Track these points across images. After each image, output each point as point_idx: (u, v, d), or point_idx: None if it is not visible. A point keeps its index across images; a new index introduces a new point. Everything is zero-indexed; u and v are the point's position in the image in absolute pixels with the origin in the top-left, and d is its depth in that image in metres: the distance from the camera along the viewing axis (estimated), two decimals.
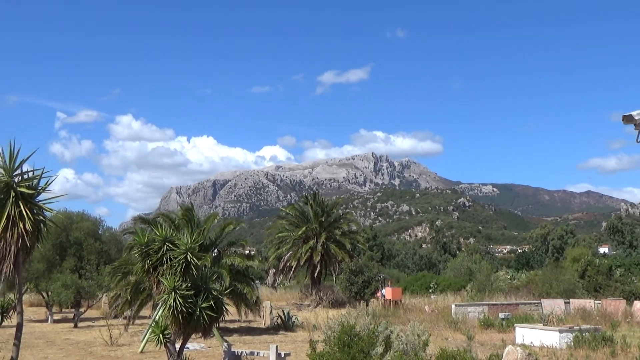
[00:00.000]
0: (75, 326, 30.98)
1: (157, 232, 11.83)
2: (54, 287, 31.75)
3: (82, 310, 33.83)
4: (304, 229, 46.25)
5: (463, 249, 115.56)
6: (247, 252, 29.69)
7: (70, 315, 35.14)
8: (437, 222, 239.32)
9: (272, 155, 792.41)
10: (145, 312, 28.02)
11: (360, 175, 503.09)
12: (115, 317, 26.33)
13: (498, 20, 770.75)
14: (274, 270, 55.03)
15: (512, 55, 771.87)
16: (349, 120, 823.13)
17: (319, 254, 45.53)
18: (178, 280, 11.18)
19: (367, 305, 38.03)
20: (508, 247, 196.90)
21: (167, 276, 11.32)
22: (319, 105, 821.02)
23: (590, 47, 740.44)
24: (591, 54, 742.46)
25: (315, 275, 46.75)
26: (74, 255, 34.22)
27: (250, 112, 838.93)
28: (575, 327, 21.92)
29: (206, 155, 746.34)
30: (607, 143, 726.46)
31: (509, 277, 56.22)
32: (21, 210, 10.20)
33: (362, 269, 42.23)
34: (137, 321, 27.83)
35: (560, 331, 21.43)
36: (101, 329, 26.68)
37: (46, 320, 34.24)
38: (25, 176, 10.54)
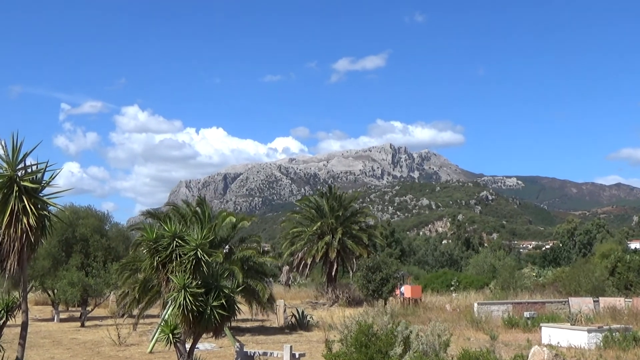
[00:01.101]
0: (82, 325, 31.24)
1: (166, 228, 11.86)
2: (60, 284, 32.02)
3: (89, 308, 34.11)
4: (319, 224, 46.26)
5: (486, 244, 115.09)
6: (260, 248, 29.77)
7: (77, 314, 35.44)
8: (458, 217, 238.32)
9: (285, 147, 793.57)
10: (154, 310, 28.19)
11: (378, 167, 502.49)
12: (123, 315, 26.51)
13: (522, 0, 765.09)
14: (287, 267, 55.14)
15: (538, 38, 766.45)
16: (365, 110, 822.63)
17: (335, 250, 45.55)
18: (188, 278, 11.21)
19: (385, 304, 38.02)
20: (533, 242, 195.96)
21: (177, 273, 11.35)
22: (333, 94, 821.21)
23: (622, 30, 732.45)
24: (624, 37, 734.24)
25: (331, 272, 46.77)
26: (80, 252, 34.48)
27: (261, 102, 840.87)
28: (604, 327, 21.76)
29: (216, 147, 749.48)
30: None
31: (534, 274, 55.97)
32: (25, 205, 10.25)
33: (380, 266, 42.20)
34: (145, 320, 28.03)
35: (589, 331, 21.29)
36: (109, 328, 26.87)
37: (52, 319, 34.56)
38: (29, 170, 10.58)
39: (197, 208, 26.37)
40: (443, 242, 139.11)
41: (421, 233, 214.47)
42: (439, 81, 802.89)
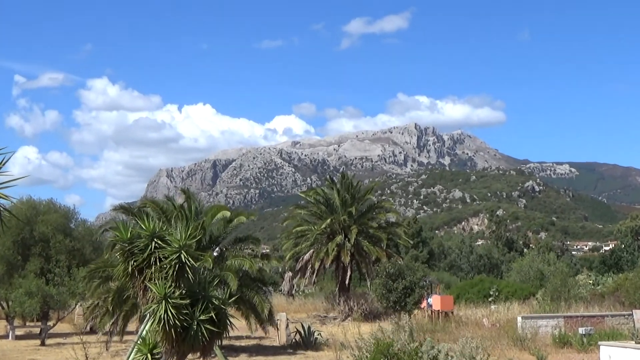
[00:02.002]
0: (43, 343, 31.38)
1: (143, 226, 11.88)
2: (15, 295, 32.15)
3: (50, 324, 34.26)
4: (328, 221, 46.26)
5: (532, 245, 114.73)
6: (259, 250, 29.84)
7: (37, 330, 35.62)
8: (498, 212, 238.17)
9: (287, 128, 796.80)
10: (130, 326, 28.29)
11: (400, 152, 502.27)
12: (93, 332, 26.63)
13: None
14: (290, 273, 55.21)
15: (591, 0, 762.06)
16: (384, 82, 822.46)
17: (349, 252, 45.57)
18: (170, 286, 11.22)
19: (409, 317, 38.02)
20: (590, 243, 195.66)
21: (157, 281, 11.37)
22: (345, 63, 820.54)
23: None
24: None
25: (344, 279, 46.80)
26: (39, 256, 34.62)
27: (258, 73, 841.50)
28: None
29: (203, 128, 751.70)
30: None
31: (591, 281, 55.79)
32: None
33: (403, 272, 42.17)
34: (119, 337, 28.12)
35: None
36: (75, 347, 26.97)
37: (7, 336, 34.72)
38: None
39: (182, 202, 26.46)
40: (479, 242, 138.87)
41: (453, 232, 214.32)
42: (475, 47, 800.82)
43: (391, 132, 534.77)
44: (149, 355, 11.61)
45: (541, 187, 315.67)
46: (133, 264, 11.79)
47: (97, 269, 24.56)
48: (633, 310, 35.33)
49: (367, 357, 12.11)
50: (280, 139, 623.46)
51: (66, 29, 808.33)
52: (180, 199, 27.49)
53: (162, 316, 11.01)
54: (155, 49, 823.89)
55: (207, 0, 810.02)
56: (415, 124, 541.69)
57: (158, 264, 11.56)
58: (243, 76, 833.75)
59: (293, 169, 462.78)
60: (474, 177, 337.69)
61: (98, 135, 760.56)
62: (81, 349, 24.58)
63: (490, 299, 49.95)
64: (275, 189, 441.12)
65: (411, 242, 69.46)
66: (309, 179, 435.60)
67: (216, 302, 11.68)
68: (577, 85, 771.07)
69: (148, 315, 11.88)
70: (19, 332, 36.24)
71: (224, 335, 12.30)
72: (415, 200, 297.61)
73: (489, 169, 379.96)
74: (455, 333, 29.93)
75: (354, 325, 37.59)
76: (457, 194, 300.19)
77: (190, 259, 11.38)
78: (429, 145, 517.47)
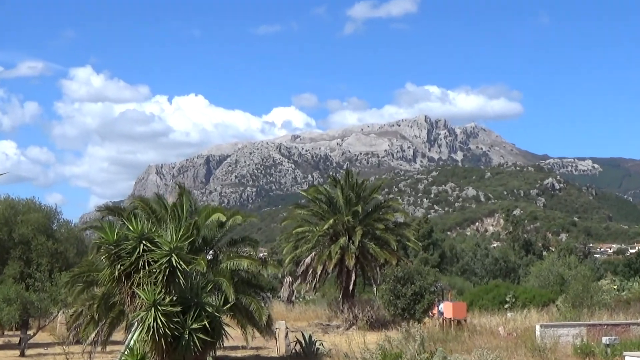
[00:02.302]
0: (22, 354, 31.41)
1: (130, 227, 11.89)
2: None
3: (30, 333, 34.27)
4: (331, 221, 46.25)
5: (552, 248, 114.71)
6: (256, 253, 29.82)
7: (16, 340, 35.63)
8: (515, 212, 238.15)
9: (286, 121, 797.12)
10: (117, 335, 28.29)
11: (409, 147, 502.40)
12: (77, 342, 26.62)
13: None
14: (290, 278, 55.19)
15: None
16: (391, 71, 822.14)
17: (353, 256, 45.54)
18: (160, 293, 11.24)
19: (419, 326, 38.02)
20: (614, 245, 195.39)
21: (145, 287, 11.38)
22: (348, 50, 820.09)
23: None
24: None
25: (348, 285, 46.79)
26: (19, 259, 34.66)
27: (254, 61, 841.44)
28: None
29: (195, 121, 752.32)
30: None
31: (615, 287, 55.76)
32: None
33: (412, 277, 42.16)
34: (106, 347, 28.14)
35: None
36: (57, 357, 27.01)
37: None
38: None
39: (175, 200, 26.44)
40: (495, 245, 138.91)
41: (466, 233, 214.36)
42: (490, 33, 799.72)
43: (399, 125, 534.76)
44: None
45: (562, 185, 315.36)
46: (120, 268, 11.80)
47: (81, 274, 24.55)
48: None
49: None
50: (278, 132, 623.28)
51: (46, 13, 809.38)
52: (171, 198, 27.45)
53: (152, 324, 11.01)
54: (143, 35, 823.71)
55: None
56: (425, 116, 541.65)
57: (147, 268, 11.57)
58: (238, 64, 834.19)
59: (293, 166, 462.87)
60: (488, 173, 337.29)
61: (81, 129, 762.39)
62: (64, 359, 24.59)
63: (506, 306, 49.94)
64: (273, 187, 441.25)
65: (421, 244, 69.49)
66: (310, 176, 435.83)
67: (210, 310, 11.69)
68: (601, 73, 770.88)
69: (136, 323, 11.88)
70: None
71: (218, 345, 12.32)
72: (425, 199, 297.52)
73: (505, 165, 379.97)
74: (469, 343, 29.93)
75: (358, 334, 37.57)
76: (471, 192, 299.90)
77: (181, 262, 11.39)
78: (440, 140, 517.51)
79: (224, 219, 27.04)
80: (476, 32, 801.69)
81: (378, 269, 46.42)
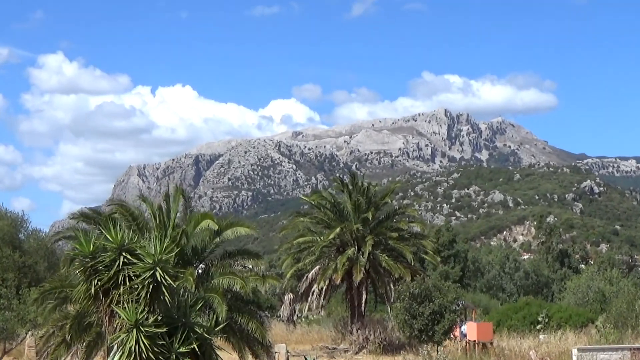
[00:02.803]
0: None
1: (109, 237, 11.88)
2: None
3: None
4: (338, 230, 46.27)
5: (591, 260, 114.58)
6: (260, 265, 29.81)
7: None
8: (549, 219, 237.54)
9: (286, 116, 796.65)
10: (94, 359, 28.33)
11: (426, 145, 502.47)
12: None
13: None
14: (291, 295, 55.23)
15: None
16: (406, 58, 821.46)
17: (363, 269, 45.55)
18: (142, 311, 11.22)
19: (438, 349, 37.94)
20: None
21: (126, 305, 11.37)
22: (357, 33, 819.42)
23: None
24: None
25: (358, 303, 46.79)
26: None
27: (249, 47, 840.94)
28: None
29: (182, 115, 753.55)
30: None
31: None
32: None
33: (430, 294, 42.08)
34: None
35: None
36: None
37: None
38: None
39: (161, 204, 26.41)
40: (525, 257, 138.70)
41: (492, 243, 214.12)
42: (518, 13, 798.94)
43: (415, 120, 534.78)
44: None
45: (602, 188, 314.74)
46: (97, 283, 11.79)
47: (53, 290, 24.53)
48: None
49: None
50: (277, 128, 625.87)
51: None
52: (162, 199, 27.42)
53: (133, 348, 11.00)
54: (123, 16, 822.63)
55: None
56: (445, 109, 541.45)
57: (128, 283, 11.55)
58: (231, 51, 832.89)
59: (294, 167, 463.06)
60: (518, 175, 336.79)
61: (52, 125, 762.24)
62: None
63: (538, 327, 49.87)
64: (272, 191, 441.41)
65: (440, 256, 69.41)
66: (313, 178, 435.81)
67: (199, 331, 11.67)
68: None
69: (115, 346, 11.87)
70: None
71: None
72: (445, 205, 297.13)
73: (537, 166, 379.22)
74: None
75: (370, 358, 37.59)
76: (497, 196, 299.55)
77: (167, 277, 11.37)
78: (462, 137, 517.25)
79: (215, 227, 26.95)
80: (503, 12, 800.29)
81: (391, 284, 46.39)
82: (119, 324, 11.49)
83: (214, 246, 27.59)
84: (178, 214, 27.08)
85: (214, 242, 27.45)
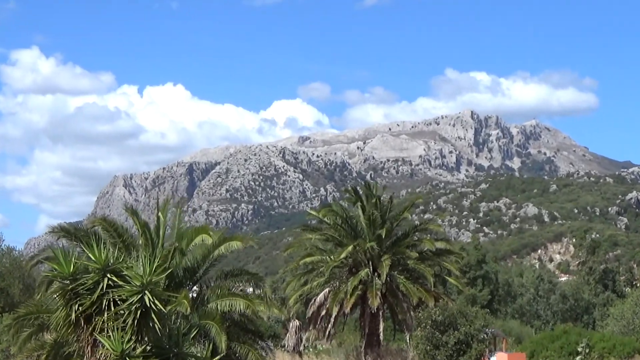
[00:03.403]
0: None
1: (91, 256, 11.90)
2: None
3: None
4: (350, 248, 46.25)
5: (637, 283, 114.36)
6: (262, 288, 29.84)
7: None
8: (589, 235, 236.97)
9: (290, 119, 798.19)
10: None
11: (450, 152, 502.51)
12: None
13: None
14: (297, 322, 55.19)
15: None
16: (427, 54, 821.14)
17: (379, 293, 45.51)
18: (129, 340, 11.24)
19: None
20: None
21: (111, 333, 11.39)
22: (370, 26, 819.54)
23: None
24: None
25: (373, 331, 46.73)
26: None
27: (249, 41, 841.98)
28: None
29: (173, 119, 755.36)
30: None
31: None
32: None
33: (455, 321, 42.09)
34: None
35: None
36: None
37: None
38: None
39: (150, 218, 26.45)
40: (563, 278, 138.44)
41: (526, 263, 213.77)
42: (553, 3, 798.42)
43: (438, 124, 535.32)
44: None
45: None
46: (78, 308, 11.81)
47: (28, 316, 24.60)
48: None
49: None
50: (281, 133, 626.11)
51: None
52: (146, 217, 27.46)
53: None
54: (106, 7, 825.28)
55: None
56: (472, 111, 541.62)
57: (113, 308, 11.57)
58: (229, 46, 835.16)
59: (300, 176, 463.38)
60: (554, 186, 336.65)
61: (27, 129, 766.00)
62: None
63: (578, 358, 49.79)
64: (275, 204, 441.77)
65: (466, 278, 69.35)
66: (322, 189, 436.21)
67: None
68: None
69: None
70: None
71: None
72: (472, 220, 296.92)
73: (576, 175, 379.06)
74: None
75: None
76: (531, 210, 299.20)
77: (157, 301, 11.38)
78: (491, 142, 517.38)
79: (209, 240, 26.95)
80: (536, 1, 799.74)
81: (411, 310, 46.35)
82: (103, 355, 11.51)
83: (209, 264, 27.62)
84: (169, 230, 27.11)
85: (210, 258, 27.48)
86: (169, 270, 20.55)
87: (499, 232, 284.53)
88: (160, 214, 26.70)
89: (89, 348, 12.00)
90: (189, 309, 24.19)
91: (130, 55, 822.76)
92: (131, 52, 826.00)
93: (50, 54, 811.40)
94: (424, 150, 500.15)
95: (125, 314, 11.46)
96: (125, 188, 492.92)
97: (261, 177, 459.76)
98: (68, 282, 11.82)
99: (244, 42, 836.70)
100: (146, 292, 11.41)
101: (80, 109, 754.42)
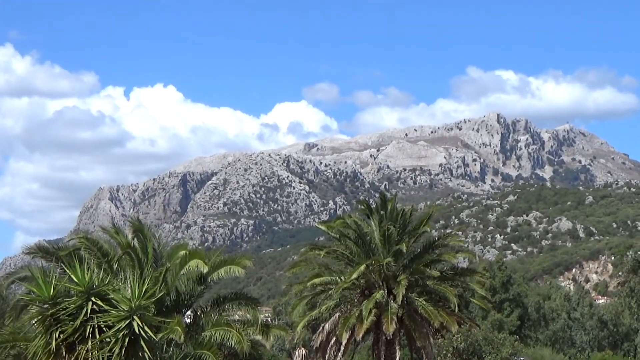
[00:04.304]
0: None
1: (74, 277, 11.88)
2: None
3: None
4: (363, 267, 46.21)
5: None
6: (256, 315, 29.80)
7: None
8: (631, 253, 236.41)
9: (294, 123, 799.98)
10: None
11: (474, 160, 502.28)
12: None
13: None
14: (303, 351, 55.21)
15: None
16: (446, 50, 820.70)
17: (395, 317, 45.48)
18: None
19: None
20: None
21: None
22: (382, 20, 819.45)
23: None
24: None
25: (390, 358, 46.68)
26: None
27: (248, 38, 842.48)
28: None
29: (163, 124, 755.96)
30: None
31: None
32: None
33: (480, 348, 42.08)
34: None
35: None
36: None
37: None
38: None
39: (134, 238, 26.45)
40: (601, 301, 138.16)
41: (559, 284, 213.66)
42: None
43: (460, 129, 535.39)
44: None
45: None
46: (59, 336, 11.79)
47: (3, 344, 24.60)
48: None
49: None
50: (285, 139, 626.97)
51: None
52: (132, 234, 27.46)
53: None
54: (90, 1, 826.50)
55: None
56: (498, 115, 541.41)
57: (98, 336, 11.55)
58: (225, 43, 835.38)
59: (307, 188, 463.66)
60: (590, 197, 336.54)
61: (1, 136, 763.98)
62: None
63: None
64: (279, 219, 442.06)
65: (493, 300, 69.26)
66: (331, 202, 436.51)
67: None
68: None
69: None
70: None
71: None
72: (498, 235, 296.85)
73: (615, 186, 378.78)
74: None
75: None
76: (565, 224, 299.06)
77: (146, 328, 11.36)
78: (520, 149, 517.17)
79: (205, 269, 26.84)
80: None
81: (431, 336, 46.31)
82: None
83: (204, 288, 27.60)
84: (160, 249, 27.09)
85: (205, 282, 27.46)
86: (161, 294, 20.54)
87: (529, 249, 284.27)
88: (149, 231, 26.67)
89: None
90: (182, 337, 24.18)
91: (116, 54, 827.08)
92: (116, 50, 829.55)
93: (25, 52, 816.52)
94: (445, 158, 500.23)
95: (112, 342, 11.44)
96: (112, 201, 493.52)
97: (263, 189, 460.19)
98: (48, 306, 11.81)
99: (243, 38, 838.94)
100: (135, 317, 11.39)
101: (59, 113, 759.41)
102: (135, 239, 26.64)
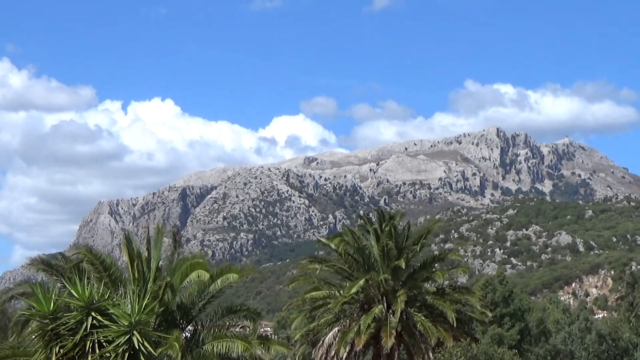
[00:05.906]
0: None
1: (74, 292, 11.96)
2: None
3: None
4: (362, 282, 46.25)
5: None
6: (256, 328, 29.83)
7: None
8: (630, 267, 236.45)
9: (292, 137, 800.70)
10: None
11: (474, 174, 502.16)
12: None
13: None
14: None
15: None
16: (445, 63, 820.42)
17: (394, 332, 45.52)
18: None
19: None
20: None
21: None
22: (380, 33, 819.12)
23: None
24: None
25: None
26: None
27: (246, 52, 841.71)
28: None
29: (161, 138, 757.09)
30: None
31: None
32: None
33: None
34: None
35: None
36: None
37: None
38: None
39: (139, 249, 26.50)
40: (600, 315, 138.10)
41: (558, 298, 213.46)
42: (586, 7, 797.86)
43: (459, 143, 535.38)
44: None
45: None
46: (59, 351, 11.88)
47: (4, 359, 24.66)
48: None
49: None
50: (283, 153, 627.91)
51: None
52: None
53: None
54: (86, 14, 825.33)
55: None
56: (498, 128, 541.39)
57: (98, 351, 11.64)
58: (223, 57, 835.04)
59: (306, 202, 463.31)
60: (590, 212, 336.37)
61: None
62: None
63: None
64: (278, 233, 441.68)
65: (492, 314, 69.29)
66: (331, 216, 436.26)
67: None
68: None
69: None
70: None
71: None
72: (498, 250, 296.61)
73: (615, 199, 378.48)
74: None
75: None
76: (564, 238, 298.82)
77: (147, 343, 11.45)
78: (520, 163, 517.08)
79: (205, 275, 26.86)
80: (567, 6, 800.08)
81: (430, 351, 46.33)
82: None
83: (205, 301, 27.63)
84: (161, 262, 27.11)
85: (206, 295, 27.49)
86: (162, 309, 20.58)
87: (528, 263, 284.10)
88: (150, 245, 26.70)
89: None
90: (179, 354, 24.19)
91: (113, 68, 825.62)
92: (114, 64, 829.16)
93: (22, 66, 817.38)
94: (444, 172, 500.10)
95: (112, 357, 11.52)
96: (111, 215, 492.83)
97: (262, 203, 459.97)
98: (48, 321, 11.89)
99: (240, 52, 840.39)
100: (135, 332, 11.48)
101: (56, 127, 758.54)
102: (143, 250, 26.72)
